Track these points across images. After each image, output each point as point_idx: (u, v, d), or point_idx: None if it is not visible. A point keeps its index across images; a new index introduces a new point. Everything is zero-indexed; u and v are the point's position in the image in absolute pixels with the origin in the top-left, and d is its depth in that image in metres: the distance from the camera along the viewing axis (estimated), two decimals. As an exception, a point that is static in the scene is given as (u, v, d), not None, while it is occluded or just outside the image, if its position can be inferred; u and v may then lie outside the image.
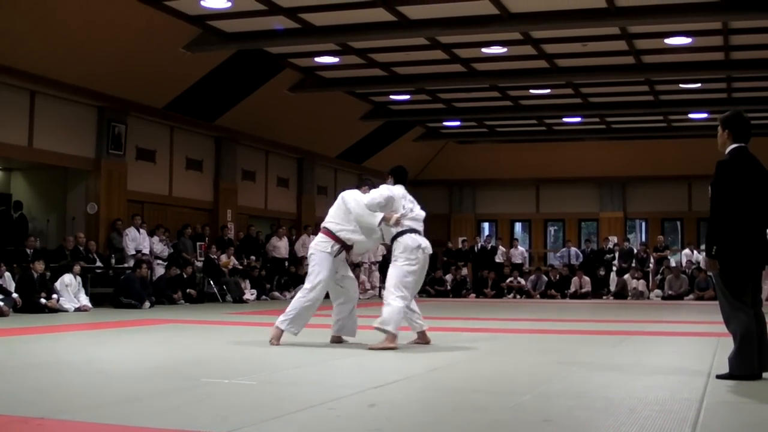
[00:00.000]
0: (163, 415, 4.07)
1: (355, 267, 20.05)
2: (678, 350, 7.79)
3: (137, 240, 15.13)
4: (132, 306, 13.28)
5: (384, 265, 20.08)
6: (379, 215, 7.23)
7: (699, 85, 18.17)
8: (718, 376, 5.25)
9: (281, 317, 7.34)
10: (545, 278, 21.16)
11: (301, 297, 7.35)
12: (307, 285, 7.34)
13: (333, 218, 7.47)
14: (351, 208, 7.34)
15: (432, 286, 20.94)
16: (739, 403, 4.61)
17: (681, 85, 18.25)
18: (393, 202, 7.30)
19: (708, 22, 13.47)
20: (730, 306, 5.23)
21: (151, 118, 16.27)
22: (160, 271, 15.42)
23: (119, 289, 13.76)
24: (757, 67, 16.06)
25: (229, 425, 3.78)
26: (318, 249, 7.38)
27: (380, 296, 19.63)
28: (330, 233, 7.40)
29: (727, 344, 5.47)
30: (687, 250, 21.37)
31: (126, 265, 14.66)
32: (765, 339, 5.18)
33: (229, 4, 12.83)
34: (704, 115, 20.87)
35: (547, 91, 19.07)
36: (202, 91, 16.17)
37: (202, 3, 12.78)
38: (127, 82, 14.75)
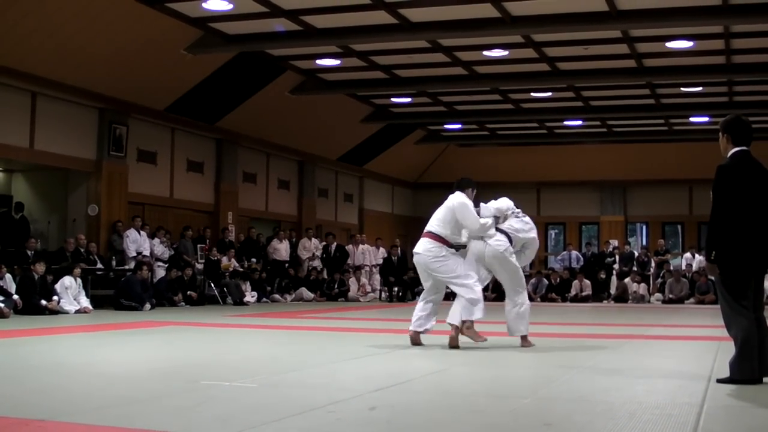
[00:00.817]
0: (163, 417, 4.07)
1: (356, 270, 20.05)
2: (678, 354, 7.78)
3: (138, 242, 15.13)
4: (132, 308, 13.28)
5: (384, 268, 20.08)
6: (490, 220, 7.59)
7: (700, 88, 18.18)
8: (719, 381, 5.24)
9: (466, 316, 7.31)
10: (546, 281, 21.12)
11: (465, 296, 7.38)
12: (467, 283, 7.37)
13: (440, 223, 7.60)
14: (459, 217, 7.50)
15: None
16: (739, 407, 4.60)
17: (682, 89, 18.25)
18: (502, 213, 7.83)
19: (709, 25, 13.48)
20: (731, 310, 5.21)
21: (153, 120, 16.28)
22: (160, 273, 15.41)
23: (120, 291, 13.75)
24: (758, 71, 16.06)
25: (228, 428, 3.77)
26: (439, 254, 7.45)
27: (380, 299, 19.75)
28: (438, 237, 7.51)
29: (728, 348, 5.46)
30: (688, 254, 21.34)
31: (126, 267, 14.67)
32: (766, 343, 5.17)
33: (230, 7, 12.84)
34: (705, 119, 20.88)
35: (549, 94, 19.08)
36: (204, 93, 16.18)
37: (204, 5, 12.80)
38: (128, 84, 14.76)
